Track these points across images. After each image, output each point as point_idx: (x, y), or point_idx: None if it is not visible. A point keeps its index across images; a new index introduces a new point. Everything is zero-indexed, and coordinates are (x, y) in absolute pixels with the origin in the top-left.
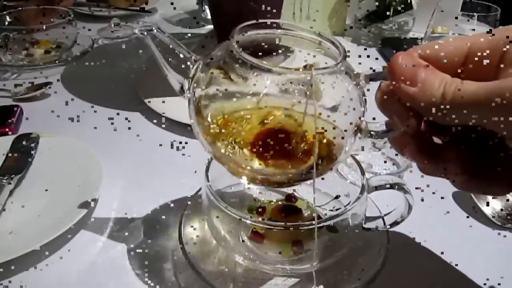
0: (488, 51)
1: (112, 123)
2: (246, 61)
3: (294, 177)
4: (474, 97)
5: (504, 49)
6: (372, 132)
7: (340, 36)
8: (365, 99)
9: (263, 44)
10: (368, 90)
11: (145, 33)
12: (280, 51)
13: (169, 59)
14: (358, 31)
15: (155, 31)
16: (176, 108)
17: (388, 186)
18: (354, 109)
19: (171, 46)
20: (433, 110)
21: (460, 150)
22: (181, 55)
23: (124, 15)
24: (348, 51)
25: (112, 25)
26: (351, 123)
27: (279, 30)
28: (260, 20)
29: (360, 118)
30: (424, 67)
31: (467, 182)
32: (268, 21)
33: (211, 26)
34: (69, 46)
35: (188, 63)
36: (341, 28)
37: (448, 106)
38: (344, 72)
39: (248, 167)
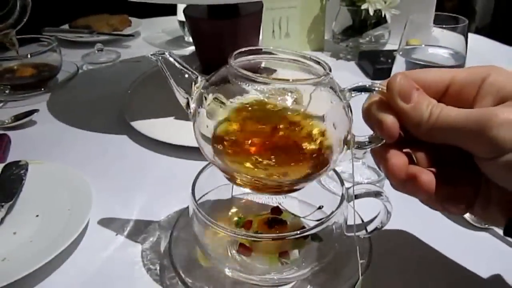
0: (467, 83)
1: (100, 147)
2: (243, 75)
3: (288, 183)
4: (454, 120)
5: (480, 83)
6: (358, 144)
7: (319, 51)
8: (350, 112)
9: (251, 67)
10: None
11: (160, 57)
12: (264, 72)
13: (177, 79)
14: (337, 46)
15: (166, 54)
16: (163, 129)
17: (367, 194)
18: (340, 121)
19: (178, 67)
20: (420, 127)
21: (430, 170)
22: (187, 75)
23: (107, 40)
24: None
25: (96, 50)
26: (339, 135)
27: (267, 55)
28: (254, 47)
29: (347, 130)
30: (417, 89)
31: (430, 199)
32: (261, 48)
33: (193, 48)
34: (54, 73)
35: (193, 83)
36: (320, 43)
37: (432, 126)
38: (329, 87)
39: (244, 173)
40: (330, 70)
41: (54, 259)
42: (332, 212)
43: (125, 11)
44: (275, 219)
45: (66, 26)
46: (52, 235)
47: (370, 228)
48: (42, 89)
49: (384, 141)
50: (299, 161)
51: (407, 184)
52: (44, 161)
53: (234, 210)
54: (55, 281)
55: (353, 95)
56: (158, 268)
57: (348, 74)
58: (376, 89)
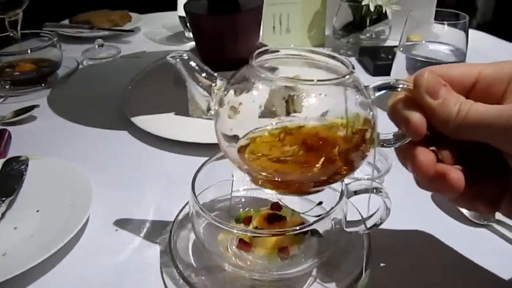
0: (495, 79)
1: (100, 143)
2: (265, 76)
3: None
4: (483, 117)
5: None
6: (383, 142)
7: (320, 47)
8: (375, 110)
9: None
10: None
11: (178, 59)
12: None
13: (197, 81)
14: (337, 42)
15: (185, 56)
16: (163, 125)
17: (366, 190)
18: (364, 120)
19: (198, 69)
20: (448, 124)
21: (457, 167)
22: (206, 77)
23: (107, 36)
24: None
25: (96, 46)
26: (364, 133)
27: (287, 54)
28: (277, 47)
29: (372, 129)
30: (444, 85)
31: (458, 198)
32: (280, 47)
33: (193, 43)
34: (54, 69)
35: (213, 84)
36: (321, 39)
37: (461, 123)
38: (353, 85)
39: (271, 174)
40: (353, 68)
41: (54, 254)
42: (332, 208)
43: (125, 6)
44: (275, 215)
45: (66, 22)
46: (53, 230)
47: (369, 224)
48: (42, 84)
49: (409, 139)
50: (327, 162)
51: (435, 182)
52: (45, 156)
53: (234, 205)
54: (55, 276)
55: (377, 94)
56: (158, 262)
57: None
58: (402, 86)
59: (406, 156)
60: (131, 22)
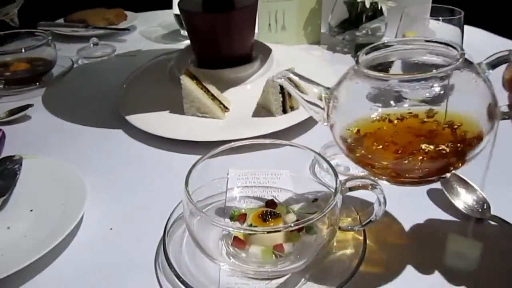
0: None
1: (95, 142)
2: (372, 76)
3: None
4: None
5: None
6: (504, 115)
7: (316, 44)
8: (491, 85)
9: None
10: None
11: (283, 78)
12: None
13: (306, 96)
14: (333, 39)
15: (290, 74)
16: (158, 123)
17: (362, 187)
18: (483, 96)
19: (305, 84)
20: None
21: None
22: (316, 90)
23: (102, 34)
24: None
25: (91, 44)
26: (484, 110)
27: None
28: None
29: (490, 104)
30: None
31: None
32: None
33: (188, 41)
34: (49, 68)
35: (323, 94)
36: (316, 36)
37: None
38: (467, 66)
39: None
40: (462, 49)
41: (48, 254)
42: (327, 205)
43: (120, 5)
44: (270, 212)
45: (61, 20)
46: (46, 230)
47: (363, 220)
48: (37, 83)
49: None
50: (454, 144)
51: None
52: (39, 155)
53: (228, 203)
54: (49, 276)
55: (491, 70)
56: (152, 260)
57: (344, 67)
58: None
59: None
60: (126, 21)
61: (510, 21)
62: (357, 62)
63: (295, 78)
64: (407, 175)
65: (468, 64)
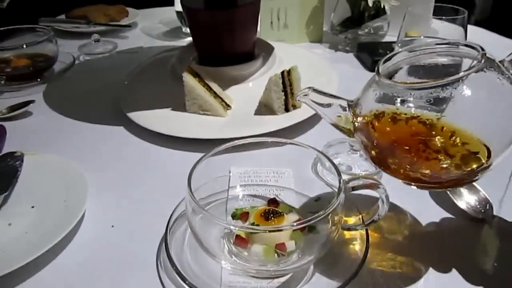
0: None
1: (96, 138)
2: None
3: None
4: None
5: None
6: None
7: (318, 42)
8: None
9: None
10: None
11: (305, 99)
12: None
13: (328, 112)
14: (335, 38)
15: (310, 92)
16: (159, 120)
17: (364, 186)
18: (509, 94)
19: (328, 101)
20: None
21: None
22: (339, 105)
23: (104, 31)
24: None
25: (93, 41)
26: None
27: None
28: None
29: None
30: None
31: None
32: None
33: (190, 39)
34: (50, 64)
35: (346, 107)
36: (319, 35)
37: None
38: (488, 66)
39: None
40: (483, 50)
41: (49, 251)
42: (329, 204)
43: (122, 1)
44: (272, 211)
45: (62, 17)
46: (48, 227)
47: (366, 219)
48: (38, 79)
49: None
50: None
51: None
52: (40, 152)
53: (230, 201)
54: (51, 273)
55: None
56: (154, 258)
57: (346, 66)
58: None
59: None
60: (127, 17)
61: (507, 20)
62: (377, 72)
63: (317, 95)
64: (428, 179)
65: (491, 62)
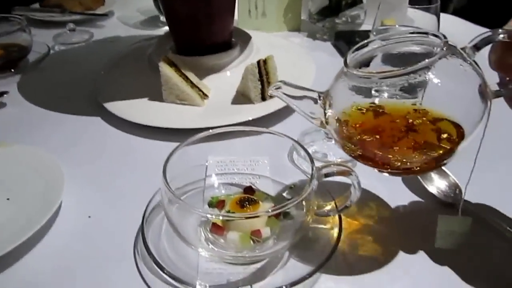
0: None
1: (72, 129)
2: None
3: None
4: None
5: None
6: (494, 94)
7: (296, 31)
8: (478, 66)
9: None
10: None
11: (278, 92)
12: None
13: (301, 104)
14: (313, 26)
15: (282, 85)
16: (136, 111)
17: (337, 173)
18: (472, 79)
19: (300, 94)
20: None
21: None
22: (310, 97)
23: (79, 20)
24: None
25: (68, 30)
26: (475, 93)
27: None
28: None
29: (481, 85)
30: None
31: None
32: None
33: (167, 28)
34: (24, 54)
35: (317, 99)
36: (297, 23)
37: None
38: (451, 53)
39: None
40: (445, 38)
41: (25, 242)
42: (303, 191)
43: None
44: (247, 199)
45: (36, 5)
46: (24, 219)
47: (340, 205)
48: (12, 70)
49: None
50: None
51: None
52: (14, 143)
53: (207, 190)
54: (27, 264)
55: (477, 53)
56: (132, 248)
57: (324, 54)
58: (502, 35)
59: None
60: (104, 6)
61: (483, 9)
62: (345, 63)
63: (289, 88)
64: (400, 165)
65: (453, 50)
